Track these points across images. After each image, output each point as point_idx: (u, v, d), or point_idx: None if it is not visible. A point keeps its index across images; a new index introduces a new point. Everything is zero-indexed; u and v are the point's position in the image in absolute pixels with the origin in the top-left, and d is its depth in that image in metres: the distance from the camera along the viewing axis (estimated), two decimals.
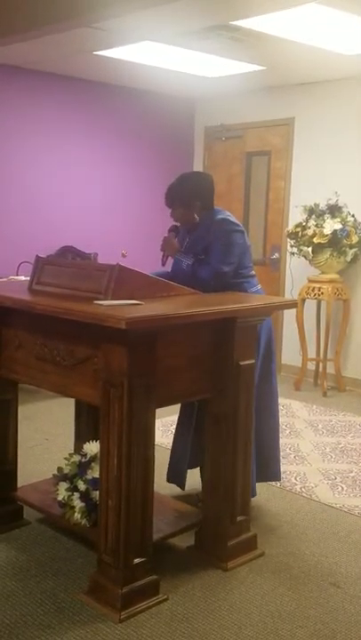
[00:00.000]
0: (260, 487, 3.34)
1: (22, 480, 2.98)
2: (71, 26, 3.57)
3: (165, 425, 4.19)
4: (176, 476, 3.15)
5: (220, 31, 3.90)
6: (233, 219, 3.01)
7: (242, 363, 2.57)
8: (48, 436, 4.07)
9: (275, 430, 3.12)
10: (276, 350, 3.18)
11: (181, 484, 3.15)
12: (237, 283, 2.97)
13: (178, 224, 3.06)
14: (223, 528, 2.64)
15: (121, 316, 2.11)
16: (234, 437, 2.59)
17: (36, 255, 2.81)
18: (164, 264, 3.09)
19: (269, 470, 3.13)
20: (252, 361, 2.63)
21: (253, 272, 3.09)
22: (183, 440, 3.13)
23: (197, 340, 2.49)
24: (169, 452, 3.12)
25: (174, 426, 4.25)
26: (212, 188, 3.03)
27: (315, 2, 3.22)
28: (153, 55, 4.55)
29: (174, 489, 3.28)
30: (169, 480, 3.18)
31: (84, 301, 2.37)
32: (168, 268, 3.12)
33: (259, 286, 3.09)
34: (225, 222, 2.94)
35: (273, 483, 3.42)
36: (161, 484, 3.03)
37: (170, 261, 3.09)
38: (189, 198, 2.94)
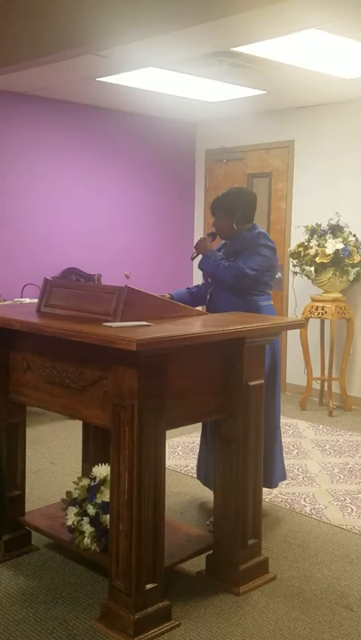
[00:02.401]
0: (270, 510, 3.32)
1: (30, 505, 2.95)
2: (76, 53, 3.63)
3: (172, 446, 4.16)
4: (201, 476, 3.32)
5: (221, 57, 3.95)
6: (269, 237, 3.22)
7: (251, 383, 2.56)
8: (55, 459, 4.04)
9: (280, 446, 3.29)
10: (280, 369, 3.26)
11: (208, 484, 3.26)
12: (251, 293, 3.13)
13: (215, 231, 3.27)
14: (235, 552, 2.60)
15: (132, 338, 2.11)
16: (244, 459, 2.57)
17: (45, 278, 2.83)
18: (192, 259, 3.39)
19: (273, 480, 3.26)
20: (262, 381, 2.62)
21: (270, 292, 3.26)
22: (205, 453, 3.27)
23: (207, 360, 2.49)
24: (176, 474, 3.09)
25: (181, 447, 4.22)
26: (252, 203, 3.25)
27: (314, 28, 3.27)
28: (155, 81, 4.62)
29: (184, 513, 3.25)
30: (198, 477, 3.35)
31: (93, 323, 2.37)
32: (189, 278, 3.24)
33: (270, 302, 3.23)
34: (260, 236, 3.17)
35: (283, 505, 3.40)
36: (170, 507, 3.00)
37: (197, 260, 3.28)
38: (230, 207, 3.17)
